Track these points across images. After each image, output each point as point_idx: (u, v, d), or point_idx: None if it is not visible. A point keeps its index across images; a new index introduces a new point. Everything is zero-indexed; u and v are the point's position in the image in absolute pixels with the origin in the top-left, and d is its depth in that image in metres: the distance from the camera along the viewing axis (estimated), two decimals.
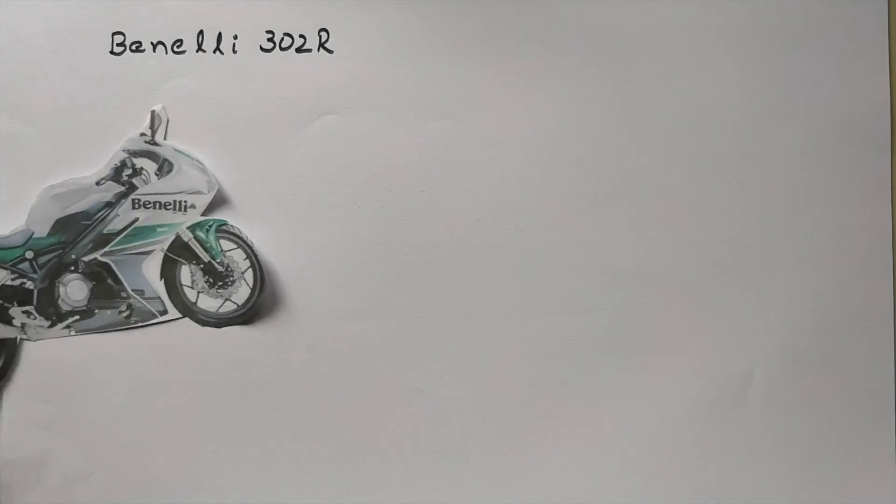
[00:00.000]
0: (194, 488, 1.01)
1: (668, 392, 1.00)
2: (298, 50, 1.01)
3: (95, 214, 1.00)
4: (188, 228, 1.00)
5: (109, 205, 1.00)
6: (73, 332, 1.00)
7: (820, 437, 1.00)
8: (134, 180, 1.00)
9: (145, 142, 0.99)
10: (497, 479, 1.00)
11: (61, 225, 0.99)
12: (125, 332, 1.00)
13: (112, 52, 1.01)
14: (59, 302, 1.00)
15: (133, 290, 1.00)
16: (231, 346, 1.00)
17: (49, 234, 0.99)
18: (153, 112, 0.99)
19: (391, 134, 1.01)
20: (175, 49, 1.01)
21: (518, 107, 1.01)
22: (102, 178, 0.99)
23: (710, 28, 1.00)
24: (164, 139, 1.00)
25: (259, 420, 1.01)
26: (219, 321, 1.00)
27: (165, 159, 0.99)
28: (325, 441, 1.01)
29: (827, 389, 1.00)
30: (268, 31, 1.01)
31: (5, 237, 0.99)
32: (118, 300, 1.00)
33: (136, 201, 1.00)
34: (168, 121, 1.00)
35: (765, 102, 1.01)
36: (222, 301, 1.00)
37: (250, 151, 1.01)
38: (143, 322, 1.00)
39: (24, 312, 1.00)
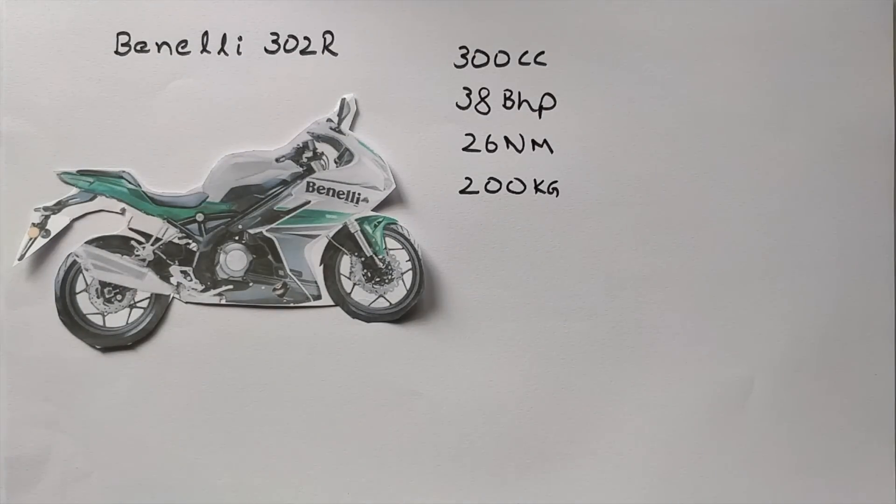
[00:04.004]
0: (194, 488, 1.01)
1: (668, 398, 1.01)
2: (303, 52, 1.01)
3: (269, 190, 1.00)
4: (356, 220, 1.00)
5: (284, 183, 1.00)
6: (223, 301, 1.01)
7: (820, 445, 1.01)
8: (312, 163, 1.00)
9: (330, 128, 1.00)
10: (495, 483, 1.01)
11: (235, 194, 1.00)
12: (274, 310, 1.01)
13: (117, 53, 1.01)
14: (218, 268, 1.01)
15: (291, 270, 1.01)
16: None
17: (222, 201, 1.00)
18: (343, 100, 1.00)
19: (394, 136, 1.01)
20: (179, 50, 1.01)
21: (521, 111, 1.01)
22: (283, 156, 1.00)
23: (714, 34, 1.01)
24: (351, 129, 1.01)
25: (259, 421, 1.01)
26: (369, 315, 1.01)
27: (347, 149, 1.00)
28: (324, 442, 1.01)
29: (827, 397, 1.01)
30: (272, 33, 1.01)
31: (181, 196, 1.00)
32: (275, 278, 1.01)
33: (311, 184, 1.00)
34: (357, 112, 1.01)
35: (768, 109, 1.02)
36: (376, 297, 1.01)
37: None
38: (295, 303, 1.01)
39: (182, 272, 1.00)
